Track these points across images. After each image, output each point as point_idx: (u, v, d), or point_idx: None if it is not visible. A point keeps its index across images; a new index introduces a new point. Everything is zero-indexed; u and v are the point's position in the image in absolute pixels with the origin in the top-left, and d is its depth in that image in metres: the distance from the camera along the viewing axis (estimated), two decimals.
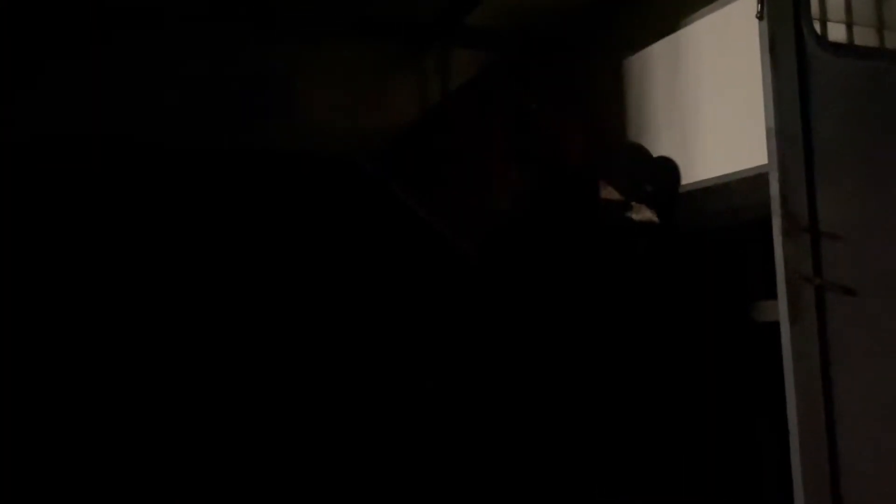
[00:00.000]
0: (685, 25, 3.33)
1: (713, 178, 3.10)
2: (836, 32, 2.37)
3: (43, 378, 2.84)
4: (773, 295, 2.28)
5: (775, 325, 2.26)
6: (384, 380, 3.04)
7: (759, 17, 2.26)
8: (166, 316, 3.03)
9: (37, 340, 2.85)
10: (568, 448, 2.76)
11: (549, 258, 2.75)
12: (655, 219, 2.84)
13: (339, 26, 3.90)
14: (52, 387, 2.85)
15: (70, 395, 2.87)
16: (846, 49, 2.37)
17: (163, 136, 3.47)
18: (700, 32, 3.27)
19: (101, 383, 2.89)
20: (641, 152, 3.03)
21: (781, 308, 2.22)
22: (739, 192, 2.90)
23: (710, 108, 3.20)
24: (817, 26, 2.34)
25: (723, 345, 2.60)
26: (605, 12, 3.72)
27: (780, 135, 2.25)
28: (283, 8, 3.76)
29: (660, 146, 3.27)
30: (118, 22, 3.56)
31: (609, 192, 2.90)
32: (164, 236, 3.12)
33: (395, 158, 3.53)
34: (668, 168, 3.06)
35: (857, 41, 2.40)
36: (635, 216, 2.84)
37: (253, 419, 2.95)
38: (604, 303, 2.58)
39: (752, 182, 2.83)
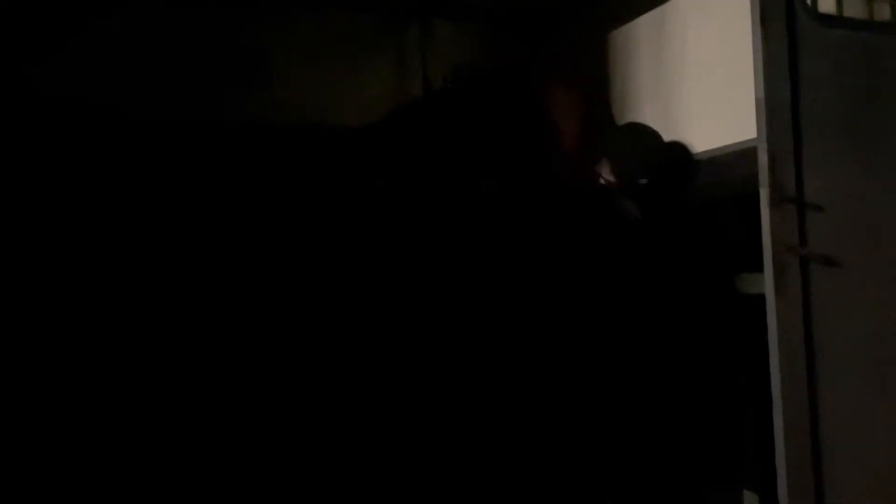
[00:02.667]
0: None
1: (699, 153, 3.09)
2: (826, 3, 2.36)
3: (35, 365, 2.79)
4: (761, 268, 2.29)
5: (762, 298, 2.27)
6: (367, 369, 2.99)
7: None
8: (152, 298, 2.97)
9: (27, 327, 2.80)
10: (553, 416, 2.76)
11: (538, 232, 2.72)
12: (636, 213, 2.81)
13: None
14: (42, 374, 2.79)
15: (63, 383, 2.82)
16: (836, 20, 2.36)
17: (143, 109, 3.42)
18: (685, 6, 3.25)
19: (94, 371, 2.84)
20: (649, 141, 2.95)
21: (767, 279, 2.22)
22: (726, 165, 2.89)
23: (696, 81, 3.19)
24: None
25: (710, 317, 2.60)
26: None
27: (770, 106, 2.24)
28: None
29: (645, 120, 3.25)
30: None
31: (605, 171, 2.87)
32: (147, 211, 3.06)
33: (393, 132, 3.46)
34: (676, 156, 3.00)
35: (847, 13, 2.38)
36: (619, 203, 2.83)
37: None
38: (592, 279, 2.56)
39: (738, 156, 2.82)
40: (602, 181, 2.89)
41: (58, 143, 3.06)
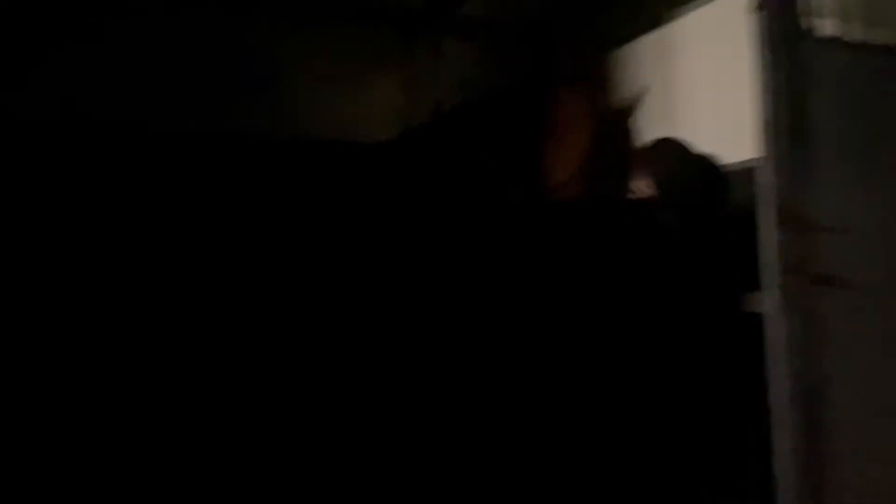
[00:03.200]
0: (673, 19, 3.35)
1: None
2: (827, 27, 2.39)
3: (35, 366, 2.82)
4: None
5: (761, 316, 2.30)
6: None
7: (751, 10, 2.28)
8: (155, 304, 3.01)
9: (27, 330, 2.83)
10: (546, 429, 2.78)
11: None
12: (677, 226, 2.84)
13: (332, 14, 3.89)
14: (42, 374, 2.83)
15: (62, 383, 2.86)
16: (836, 43, 2.39)
17: (154, 122, 3.47)
18: (688, 27, 3.30)
19: (92, 372, 2.88)
20: (687, 154, 2.97)
21: (769, 299, 2.25)
22: (733, 183, 2.93)
23: (698, 101, 3.23)
24: (809, 21, 2.35)
25: (710, 335, 2.62)
26: (594, 5, 3.74)
27: (771, 127, 2.27)
28: None
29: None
30: (106, 7, 3.55)
31: (646, 185, 2.89)
32: (157, 223, 3.10)
33: (403, 148, 3.50)
34: (711, 173, 3.02)
35: (847, 36, 2.42)
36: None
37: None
38: (605, 294, 2.59)
39: (740, 175, 2.85)
40: (636, 195, 2.89)
41: (66, 156, 3.11)
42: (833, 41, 2.39)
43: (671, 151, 3.03)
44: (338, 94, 3.96)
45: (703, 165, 3.00)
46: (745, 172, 2.85)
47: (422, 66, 4.11)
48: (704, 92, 3.17)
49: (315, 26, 3.95)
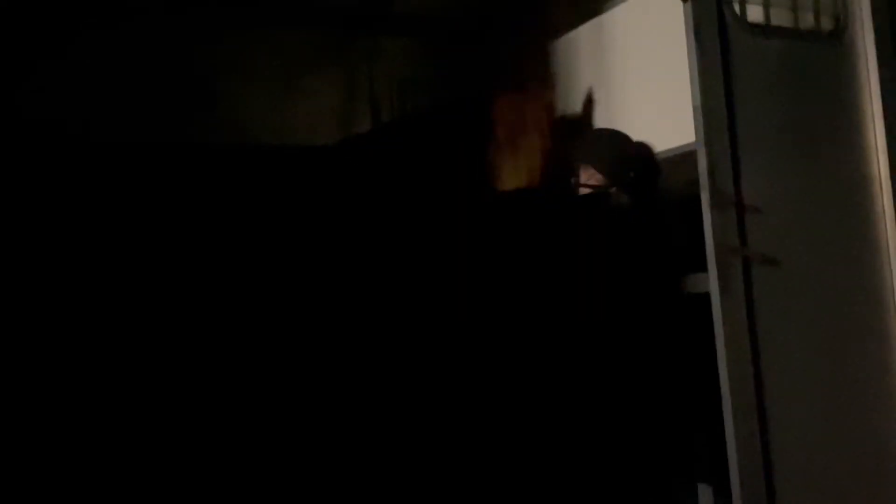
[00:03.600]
0: (608, 10, 3.41)
1: None
2: (755, 13, 2.47)
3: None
4: (703, 268, 2.38)
5: (705, 297, 2.36)
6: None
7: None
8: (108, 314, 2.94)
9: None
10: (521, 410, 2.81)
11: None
12: (630, 206, 2.90)
13: (267, 17, 3.85)
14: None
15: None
16: (764, 29, 2.47)
17: (88, 128, 3.38)
18: (622, 16, 3.35)
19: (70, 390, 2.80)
20: (627, 140, 3.05)
21: (711, 279, 2.31)
22: (668, 169, 3.00)
23: (635, 89, 3.29)
24: (737, 8, 2.43)
25: (656, 317, 2.68)
26: None
27: (706, 112, 2.33)
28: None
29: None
30: (49, 14, 3.46)
31: (589, 176, 2.94)
32: (104, 232, 3.03)
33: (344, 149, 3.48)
34: (646, 154, 3.11)
35: (774, 22, 2.50)
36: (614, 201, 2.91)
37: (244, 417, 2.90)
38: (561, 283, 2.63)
39: (678, 160, 2.92)
40: (582, 188, 2.95)
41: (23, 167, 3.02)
42: (761, 27, 2.47)
43: (608, 141, 3.09)
44: (275, 97, 3.92)
45: (639, 151, 3.08)
46: (685, 157, 2.93)
47: (359, 66, 4.10)
48: (641, 80, 3.23)
49: (250, 30, 3.90)
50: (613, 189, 2.93)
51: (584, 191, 2.97)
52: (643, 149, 3.14)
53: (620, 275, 2.64)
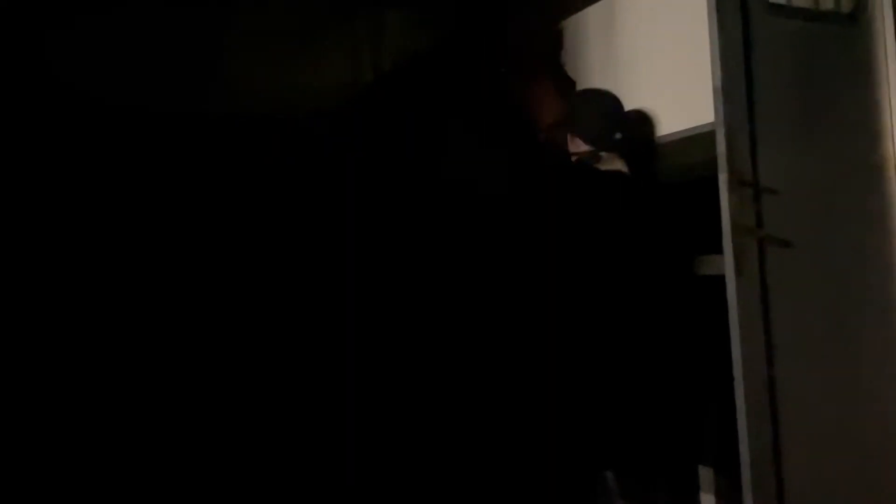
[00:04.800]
0: None
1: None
2: None
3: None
4: (718, 249, 2.37)
5: (720, 279, 2.36)
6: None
7: None
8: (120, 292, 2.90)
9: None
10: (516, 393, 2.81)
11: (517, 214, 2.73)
12: (625, 168, 2.86)
13: None
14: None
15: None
16: (786, 10, 2.46)
17: (89, 95, 3.31)
18: None
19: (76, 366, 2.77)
20: (609, 100, 2.97)
21: (727, 261, 2.31)
22: (679, 150, 2.98)
23: (646, 70, 3.26)
24: None
25: (671, 297, 2.68)
26: None
27: (726, 93, 2.32)
28: None
29: None
30: None
31: (576, 144, 2.90)
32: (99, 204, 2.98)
33: (351, 122, 3.45)
34: (641, 117, 3.06)
35: (795, 2, 2.48)
36: (604, 167, 2.86)
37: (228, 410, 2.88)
38: (566, 255, 2.60)
39: (691, 141, 2.91)
40: (575, 157, 2.91)
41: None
42: (782, 7, 2.45)
43: (587, 102, 3.05)
44: (279, 69, 3.86)
45: (625, 112, 3.02)
46: (694, 139, 2.92)
47: (364, 37, 4.05)
48: (651, 60, 3.20)
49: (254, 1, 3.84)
50: (602, 154, 2.86)
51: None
52: (633, 112, 3.09)
53: (630, 254, 2.62)
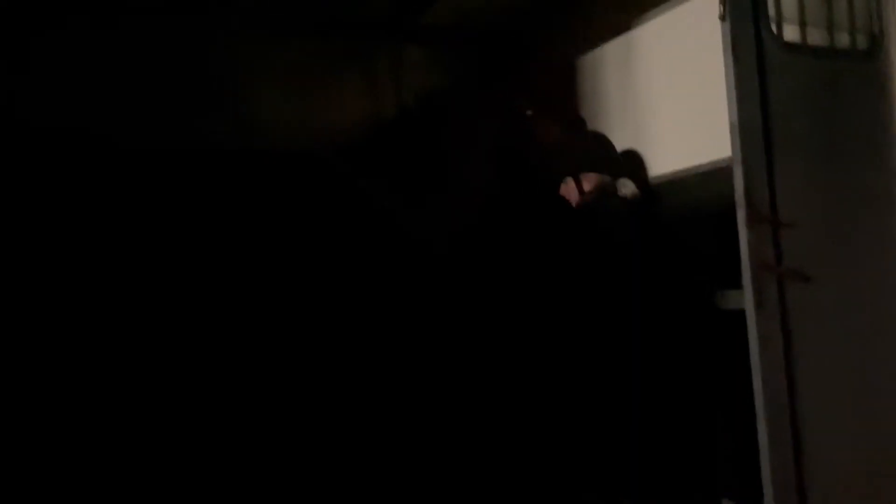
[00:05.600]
0: (636, 26, 3.43)
1: (668, 174, 3.21)
2: (791, 32, 2.49)
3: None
4: (736, 284, 2.39)
5: (739, 314, 2.37)
6: (356, 380, 3.03)
7: (722, 18, 2.35)
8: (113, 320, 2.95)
9: None
10: (532, 434, 2.83)
11: (523, 251, 2.79)
12: (638, 192, 2.91)
13: (293, 24, 3.87)
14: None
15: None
16: (801, 48, 2.49)
17: (114, 133, 3.39)
18: (651, 33, 3.37)
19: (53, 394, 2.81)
20: (605, 138, 3.08)
21: (747, 296, 2.32)
22: (693, 186, 3.01)
23: (662, 106, 3.30)
24: (774, 27, 2.44)
25: (689, 333, 2.69)
26: (556, 12, 3.80)
27: (743, 129, 2.34)
28: (236, 5, 3.72)
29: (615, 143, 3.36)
30: (65, 15, 3.47)
31: (591, 180, 2.95)
32: (113, 238, 3.04)
33: (367, 155, 3.53)
34: (632, 154, 3.13)
35: (810, 41, 2.52)
36: (623, 191, 2.91)
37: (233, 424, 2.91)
38: (580, 291, 2.64)
39: (705, 177, 2.94)
40: (581, 199, 2.96)
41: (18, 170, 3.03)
42: (797, 46, 2.48)
43: (594, 143, 3.12)
44: (299, 104, 3.93)
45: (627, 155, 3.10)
46: (711, 174, 2.95)
47: (384, 75, 4.12)
48: (669, 97, 3.25)
49: (277, 36, 3.92)
50: (618, 182, 2.93)
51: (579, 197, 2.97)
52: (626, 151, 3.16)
53: (653, 289, 2.65)
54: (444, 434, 2.80)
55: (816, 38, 2.54)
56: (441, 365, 2.97)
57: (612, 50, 3.51)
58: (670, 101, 3.26)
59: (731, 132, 2.35)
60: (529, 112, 3.10)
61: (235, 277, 3.03)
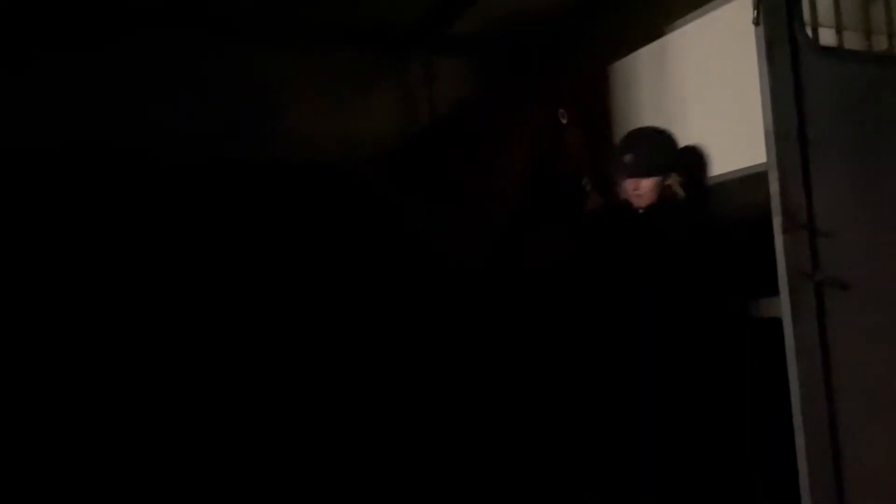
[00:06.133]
0: (669, 31, 3.41)
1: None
2: (827, 37, 2.46)
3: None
4: (772, 292, 2.36)
5: (776, 322, 2.34)
6: (381, 389, 3.05)
7: (756, 22, 2.33)
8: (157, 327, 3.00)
9: None
10: (567, 442, 2.83)
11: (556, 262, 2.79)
12: (682, 192, 2.89)
13: (324, 35, 3.91)
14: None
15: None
16: (837, 53, 2.46)
17: (148, 146, 3.44)
18: (685, 38, 3.35)
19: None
20: (659, 131, 3.05)
21: (784, 304, 2.29)
22: (728, 192, 2.98)
23: (695, 112, 3.28)
24: (809, 31, 2.41)
25: (726, 341, 2.66)
26: (589, 19, 3.79)
27: (778, 135, 2.32)
28: (267, 17, 3.76)
29: None
30: (102, 29, 3.54)
31: (634, 185, 2.92)
32: (148, 250, 3.09)
33: (400, 166, 3.55)
34: (695, 152, 3.09)
35: (846, 45, 2.48)
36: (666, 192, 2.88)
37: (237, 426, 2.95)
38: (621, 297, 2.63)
39: (740, 182, 2.91)
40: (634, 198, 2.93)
41: (69, 185, 3.09)
42: (834, 50, 2.45)
43: (642, 137, 3.07)
44: (331, 115, 3.97)
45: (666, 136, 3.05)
46: (747, 180, 2.91)
47: (416, 85, 4.15)
48: (702, 102, 3.22)
49: (308, 49, 3.96)
50: (667, 180, 2.89)
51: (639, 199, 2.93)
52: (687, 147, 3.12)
53: (689, 296, 2.63)
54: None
55: (853, 42, 2.50)
56: (483, 375, 2.98)
57: (645, 55, 3.49)
58: (704, 107, 3.23)
59: (766, 137, 2.33)
60: (564, 119, 3.08)
61: (267, 289, 3.07)
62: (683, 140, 3.19)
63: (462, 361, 3.04)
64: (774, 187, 2.31)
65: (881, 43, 2.54)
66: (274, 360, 3.00)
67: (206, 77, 3.74)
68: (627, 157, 2.94)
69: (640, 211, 2.93)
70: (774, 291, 2.36)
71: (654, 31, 3.44)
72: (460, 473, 2.91)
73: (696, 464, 2.63)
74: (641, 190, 2.90)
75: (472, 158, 3.36)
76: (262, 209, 3.25)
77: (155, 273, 3.03)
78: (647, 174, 2.90)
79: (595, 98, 3.63)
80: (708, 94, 3.22)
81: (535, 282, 2.88)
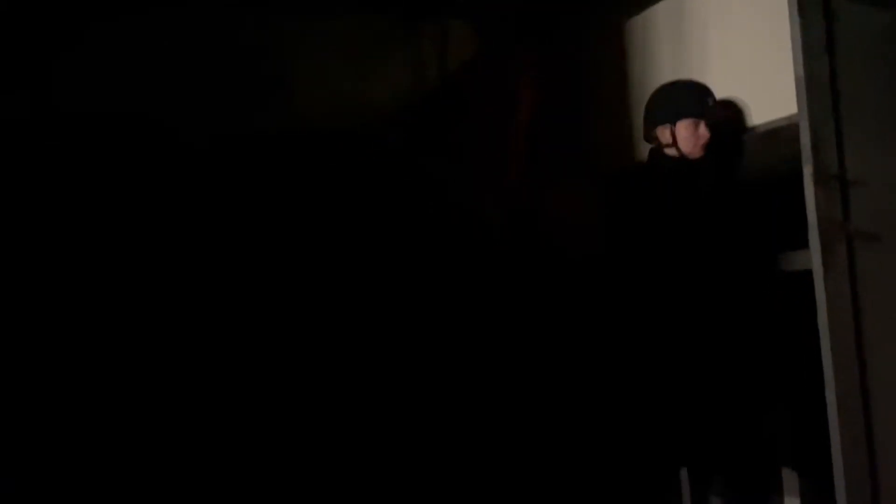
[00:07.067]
0: None
1: None
2: None
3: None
4: (801, 245, 2.32)
5: (805, 274, 2.30)
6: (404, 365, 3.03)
7: None
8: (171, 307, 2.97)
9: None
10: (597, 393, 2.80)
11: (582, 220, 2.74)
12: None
13: (336, 3, 3.83)
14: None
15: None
16: (869, 1, 2.39)
17: (159, 116, 3.39)
18: None
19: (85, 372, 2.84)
20: (691, 82, 2.96)
21: (814, 256, 2.25)
22: (760, 144, 2.92)
23: (719, 65, 3.21)
24: None
25: (757, 294, 2.62)
26: None
27: (809, 84, 2.26)
28: None
29: None
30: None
31: (665, 136, 2.84)
32: (168, 223, 3.05)
33: (418, 130, 3.49)
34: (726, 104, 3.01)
35: None
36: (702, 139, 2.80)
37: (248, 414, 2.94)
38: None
39: (771, 135, 2.84)
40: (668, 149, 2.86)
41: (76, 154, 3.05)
42: None
43: (674, 87, 2.99)
44: (344, 84, 3.89)
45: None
46: (782, 131, 2.84)
47: (428, 51, 4.06)
48: (723, 56, 3.15)
49: (319, 16, 3.88)
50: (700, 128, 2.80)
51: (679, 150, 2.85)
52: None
53: (717, 249, 2.59)
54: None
55: None
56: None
57: (663, 8, 3.41)
58: (727, 60, 3.16)
59: (797, 86, 2.27)
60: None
61: (295, 262, 3.03)
62: None
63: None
64: (805, 136, 2.25)
65: None
66: (311, 331, 2.97)
67: (212, 45, 3.66)
68: (710, 100, 2.84)
69: (693, 161, 2.83)
70: (801, 245, 2.32)
71: None
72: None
73: (724, 416, 2.60)
74: (705, 138, 2.81)
75: (484, 120, 3.31)
76: (293, 179, 3.21)
77: (182, 246, 3.00)
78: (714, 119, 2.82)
79: (610, 54, 3.56)
80: (729, 48, 3.14)
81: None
